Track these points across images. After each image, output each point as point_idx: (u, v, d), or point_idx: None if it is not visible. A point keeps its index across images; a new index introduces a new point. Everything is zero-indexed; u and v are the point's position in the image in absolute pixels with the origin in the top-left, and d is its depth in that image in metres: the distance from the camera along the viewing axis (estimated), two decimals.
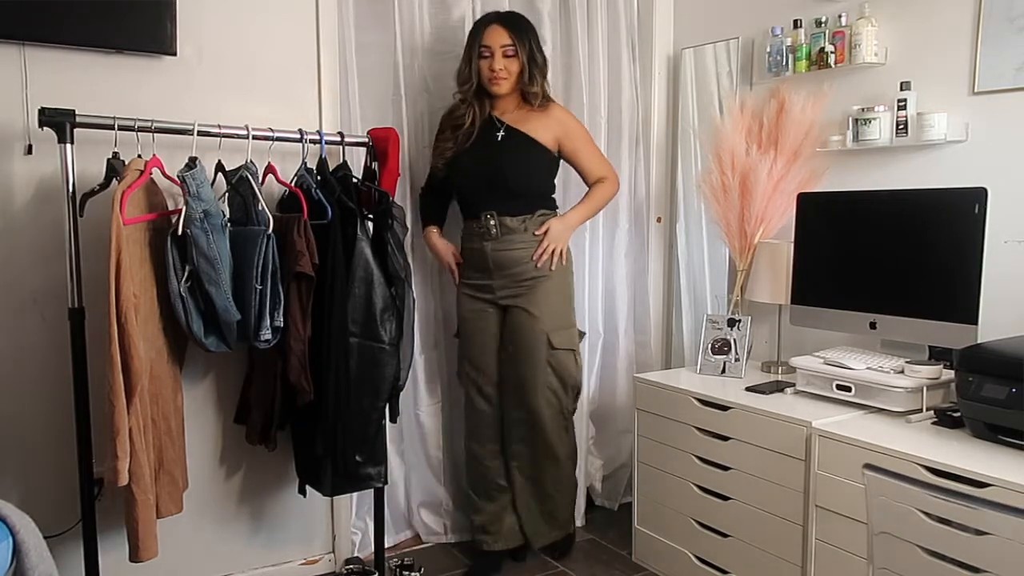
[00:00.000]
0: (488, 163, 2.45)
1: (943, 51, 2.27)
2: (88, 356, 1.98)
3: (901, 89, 2.32)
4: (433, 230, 2.60)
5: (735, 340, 2.57)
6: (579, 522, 2.93)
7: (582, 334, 2.71)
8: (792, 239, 2.49)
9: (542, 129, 2.49)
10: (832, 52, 2.47)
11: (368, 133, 2.41)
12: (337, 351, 2.17)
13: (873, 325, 2.25)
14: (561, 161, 2.59)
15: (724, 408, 2.27)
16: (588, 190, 2.60)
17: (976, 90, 2.20)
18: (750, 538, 2.21)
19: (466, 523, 2.87)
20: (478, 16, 2.76)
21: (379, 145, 2.37)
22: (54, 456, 2.15)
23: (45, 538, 1.51)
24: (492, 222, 2.45)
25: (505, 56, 2.41)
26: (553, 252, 2.47)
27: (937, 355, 2.15)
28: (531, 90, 2.46)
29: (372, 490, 2.46)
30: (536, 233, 2.46)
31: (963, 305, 2.03)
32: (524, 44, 2.42)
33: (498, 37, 2.41)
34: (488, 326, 2.55)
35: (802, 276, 2.45)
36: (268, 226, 2.02)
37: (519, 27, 2.44)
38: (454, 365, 2.76)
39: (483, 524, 2.62)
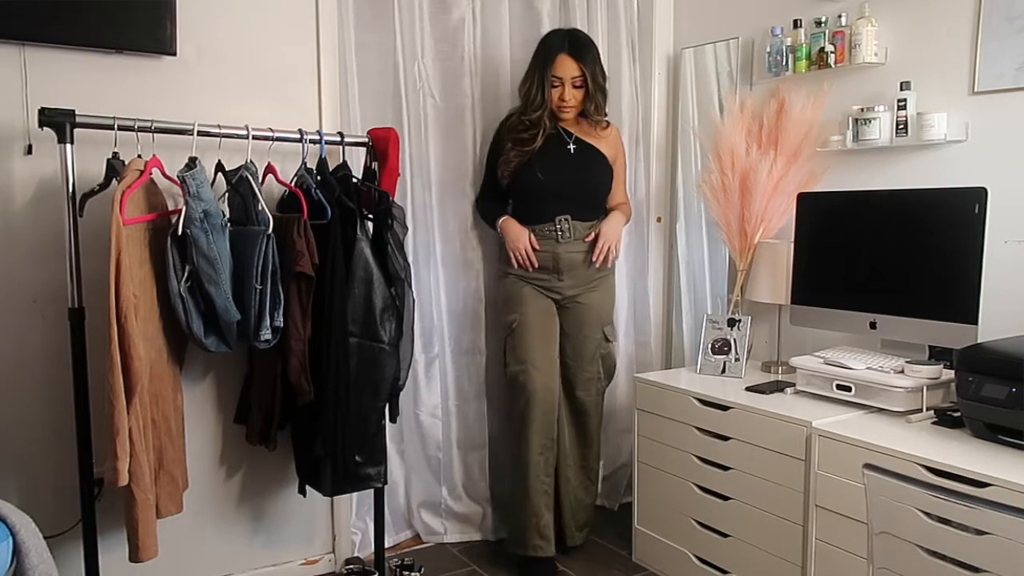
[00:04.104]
0: (564, 174, 2.57)
1: (943, 51, 2.27)
2: (88, 356, 1.98)
3: (901, 89, 2.32)
4: (507, 217, 2.62)
5: (735, 340, 2.57)
6: None
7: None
8: (792, 239, 2.50)
9: (606, 145, 2.65)
10: (832, 52, 2.47)
11: (368, 133, 2.41)
12: (337, 351, 2.17)
13: (873, 325, 2.25)
14: None
15: (724, 408, 2.27)
16: (614, 206, 2.71)
17: (976, 90, 2.20)
18: (750, 538, 2.21)
19: (469, 524, 2.88)
20: (478, 16, 2.77)
21: (379, 145, 2.37)
22: (54, 456, 2.16)
23: (45, 538, 1.51)
24: (567, 225, 2.56)
25: (574, 87, 2.52)
26: (610, 248, 2.60)
27: (937, 355, 2.15)
28: (595, 118, 2.59)
29: (372, 490, 2.46)
30: (586, 240, 2.59)
31: (963, 305, 2.03)
32: (591, 72, 2.51)
33: (568, 69, 2.49)
34: (555, 323, 2.63)
35: (802, 276, 2.45)
36: (268, 226, 2.02)
37: (586, 55, 2.51)
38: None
39: (541, 529, 2.56)
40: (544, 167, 2.55)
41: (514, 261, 2.59)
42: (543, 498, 2.57)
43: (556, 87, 2.52)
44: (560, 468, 2.69)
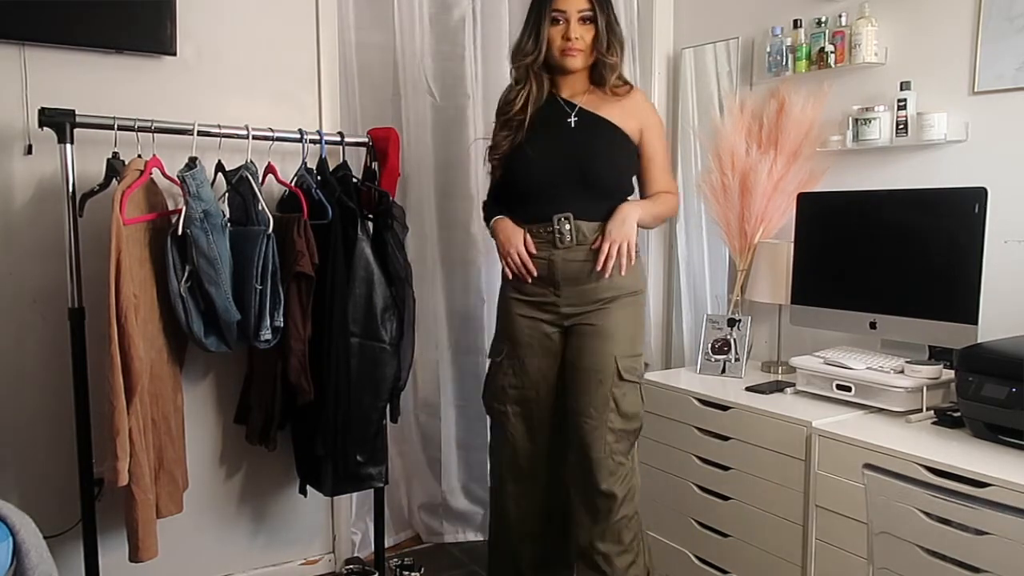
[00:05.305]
0: (562, 154, 2.03)
1: (943, 51, 2.27)
2: (88, 356, 1.98)
3: (901, 89, 2.32)
4: (501, 217, 2.12)
5: (735, 340, 2.57)
6: None
7: (646, 365, 2.25)
8: (792, 239, 2.49)
9: (623, 114, 2.07)
10: (832, 52, 2.46)
11: (368, 133, 2.41)
12: (337, 351, 2.17)
13: (873, 325, 2.25)
14: None
15: (724, 408, 2.27)
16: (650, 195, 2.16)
17: (976, 90, 2.20)
18: (750, 538, 2.21)
19: (469, 524, 2.87)
20: (478, 16, 2.77)
21: (379, 145, 2.37)
22: (54, 456, 2.15)
23: (45, 538, 1.51)
24: (567, 227, 2.02)
25: (582, 22, 1.99)
26: (619, 250, 2.01)
27: (937, 355, 2.15)
28: (608, 60, 2.03)
29: (372, 490, 2.46)
30: (593, 246, 2.04)
31: (963, 305, 2.02)
32: (603, 8, 2.01)
33: (574, 1, 1.99)
34: (552, 351, 2.11)
35: (802, 276, 2.45)
36: (268, 226, 2.03)
37: None
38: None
39: None
40: (540, 145, 2.04)
41: (506, 270, 2.08)
42: None
43: (558, 24, 1.99)
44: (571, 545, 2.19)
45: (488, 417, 2.28)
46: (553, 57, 2.02)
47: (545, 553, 2.23)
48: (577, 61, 2.02)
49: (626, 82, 2.11)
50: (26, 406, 2.15)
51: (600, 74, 2.06)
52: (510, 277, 2.09)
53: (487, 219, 2.22)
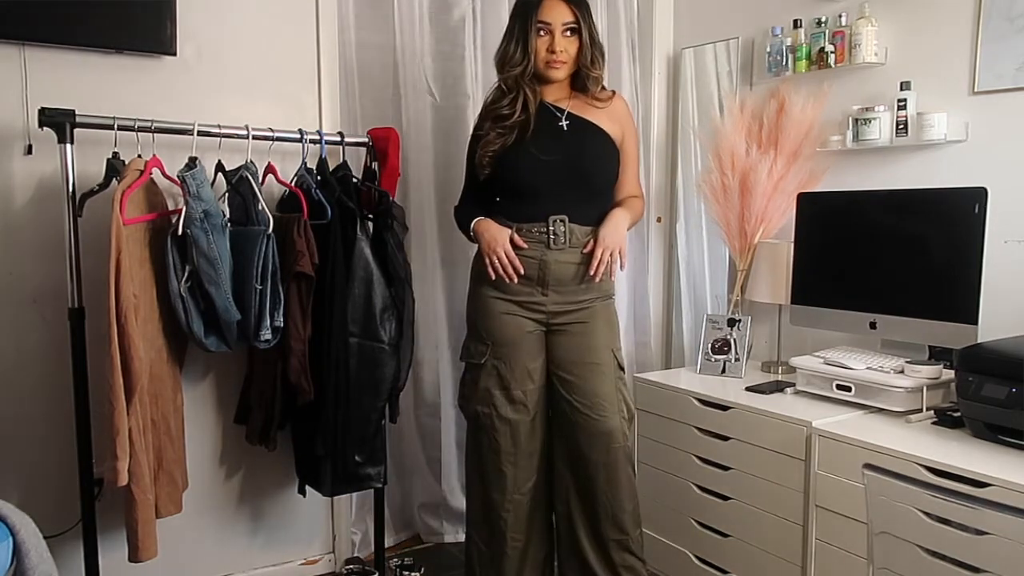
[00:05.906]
0: (558, 155, 2.05)
1: (943, 51, 2.27)
2: (88, 356, 1.98)
3: (901, 89, 2.32)
4: (482, 218, 2.11)
5: (735, 340, 2.57)
6: None
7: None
8: (792, 239, 2.49)
9: (607, 120, 2.12)
10: (832, 52, 2.46)
11: (368, 133, 2.41)
12: (337, 351, 2.17)
13: (873, 325, 2.25)
14: None
15: (724, 408, 2.27)
16: (621, 201, 2.18)
17: (976, 90, 2.20)
18: (750, 538, 2.21)
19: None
20: (478, 16, 2.77)
21: (379, 145, 2.38)
22: (54, 456, 2.15)
23: (45, 538, 1.50)
24: (562, 228, 2.04)
25: (565, 35, 2.03)
26: (612, 255, 2.03)
27: (937, 355, 2.15)
28: (593, 73, 2.08)
29: (372, 490, 2.46)
30: (584, 250, 2.05)
31: (963, 305, 2.02)
32: (586, 20, 2.05)
33: (559, 13, 2.02)
34: (536, 349, 2.10)
35: (802, 276, 2.45)
36: (268, 226, 2.03)
37: (580, 1, 2.07)
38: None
39: None
40: (536, 147, 2.04)
41: (490, 270, 2.04)
42: None
43: (543, 36, 2.02)
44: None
45: (471, 423, 2.18)
46: (537, 67, 2.05)
47: (525, 560, 2.19)
48: (561, 73, 2.06)
49: (608, 90, 2.16)
50: (26, 406, 2.15)
51: (583, 83, 2.10)
52: (493, 278, 2.06)
53: (463, 223, 2.18)
